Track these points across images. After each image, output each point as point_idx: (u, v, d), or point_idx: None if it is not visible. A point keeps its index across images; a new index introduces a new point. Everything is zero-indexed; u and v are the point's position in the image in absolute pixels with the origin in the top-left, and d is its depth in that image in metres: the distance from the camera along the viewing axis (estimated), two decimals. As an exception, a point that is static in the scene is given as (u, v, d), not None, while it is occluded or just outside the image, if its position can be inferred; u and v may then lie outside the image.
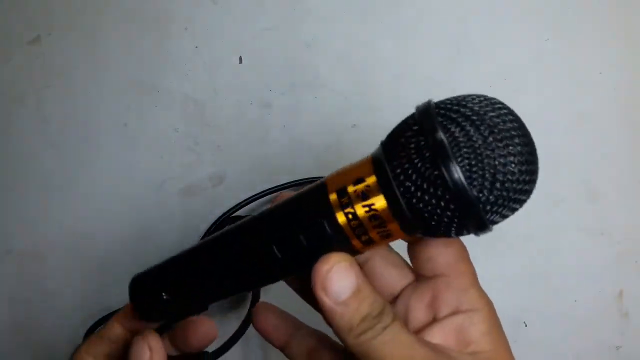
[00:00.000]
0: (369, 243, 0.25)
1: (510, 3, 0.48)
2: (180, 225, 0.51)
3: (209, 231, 0.48)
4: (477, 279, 0.28)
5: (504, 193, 0.23)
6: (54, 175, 0.52)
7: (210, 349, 0.39)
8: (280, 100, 0.51)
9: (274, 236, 0.26)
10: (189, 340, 0.34)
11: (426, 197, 0.22)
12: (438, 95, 0.25)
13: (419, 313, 0.29)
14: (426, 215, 0.23)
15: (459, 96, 0.24)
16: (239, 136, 0.51)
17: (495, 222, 0.24)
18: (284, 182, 0.49)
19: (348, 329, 0.25)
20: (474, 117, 0.22)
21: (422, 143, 0.22)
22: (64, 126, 0.53)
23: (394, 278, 0.30)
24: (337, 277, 0.25)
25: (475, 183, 0.22)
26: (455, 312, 0.27)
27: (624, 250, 0.47)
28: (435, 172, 0.22)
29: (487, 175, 0.22)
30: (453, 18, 0.48)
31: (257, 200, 0.48)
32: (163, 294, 0.30)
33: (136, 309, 0.31)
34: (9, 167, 0.53)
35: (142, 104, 0.52)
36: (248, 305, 0.48)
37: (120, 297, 0.49)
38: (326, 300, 0.25)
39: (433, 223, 0.23)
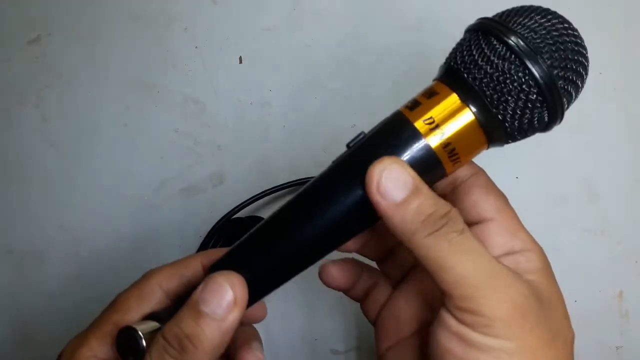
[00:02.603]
0: (457, 162, 0.26)
1: (510, 3, 0.48)
2: (180, 225, 0.51)
3: (209, 232, 0.48)
4: (521, 223, 0.28)
5: (569, 64, 0.25)
6: (54, 175, 0.52)
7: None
8: (280, 100, 0.51)
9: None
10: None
11: (510, 98, 0.24)
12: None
13: None
14: (509, 116, 0.25)
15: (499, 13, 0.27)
16: (239, 136, 0.51)
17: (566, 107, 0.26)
18: (284, 182, 0.49)
19: (412, 231, 0.23)
20: (525, 18, 0.25)
21: (497, 47, 0.24)
22: (64, 126, 0.53)
23: None
24: (393, 175, 0.24)
25: (553, 66, 0.24)
26: (509, 253, 0.27)
27: (624, 250, 0.47)
28: (520, 71, 0.24)
29: (557, 57, 0.25)
30: (453, 20, 0.48)
31: (258, 201, 0.48)
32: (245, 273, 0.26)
33: None
34: (9, 167, 0.53)
35: (142, 104, 0.52)
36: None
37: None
38: (382, 202, 0.23)
39: (514, 125, 0.25)
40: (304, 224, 0.26)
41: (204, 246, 0.48)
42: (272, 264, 0.27)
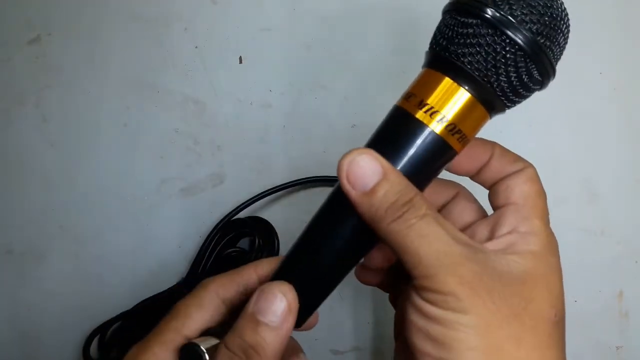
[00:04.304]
0: (464, 139, 0.27)
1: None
2: (180, 225, 0.51)
3: (210, 233, 0.48)
4: (547, 217, 0.29)
5: (548, 22, 0.26)
6: (54, 175, 0.52)
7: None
8: (280, 100, 0.51)
9: None
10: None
11: (500, 69, 0.25)
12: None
13: (479, 231, 0.29)
14: (503, 86, 0.26)
15: None
16: (239, 136, 0.51)
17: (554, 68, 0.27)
18: (284, 182, 0.49)
19: (379, 220, 0.25)
20: None
21: (474, 24, 0.25)
22: (64, 126, 0.53)
23: (471, 214, 0.31)
24: (361, 165, 0.25)
25: (533, 29, 0.25)
26: (511, 232, 0.28)
27: (624, 250, 0.47)
28: (503, 42, 0.25)
29: (535, 20, 0.25)
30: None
31: (258, 201, 0.48)
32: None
33: None
34: (9, 166, 0.53)
35: (142, 104, 0.52)
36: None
37: (120, 297, 0.49)
38: (352, 192, 0.25)
39: (511, 92, 0.26)
40: (329, 239, 0.28)
41: (204, 247, 0.47)
42: (316, 275, 0.29)
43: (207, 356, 0.27)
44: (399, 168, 0.26)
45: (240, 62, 0.52)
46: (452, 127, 0.26)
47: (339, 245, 0.28)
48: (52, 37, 0.53)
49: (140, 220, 0.51)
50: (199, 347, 0.27)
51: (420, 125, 0.26)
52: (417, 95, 0.27)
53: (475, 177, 0.31)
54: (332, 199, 0.29)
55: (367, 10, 0.51)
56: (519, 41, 0.25)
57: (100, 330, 0.48)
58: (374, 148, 0.27)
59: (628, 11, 0.48)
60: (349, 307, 0.48)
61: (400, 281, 0.35)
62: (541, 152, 0.48)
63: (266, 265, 0.31)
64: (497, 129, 0.45)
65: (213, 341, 0.28)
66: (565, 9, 0.27)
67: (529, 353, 0.25)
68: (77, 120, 0.52)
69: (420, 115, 0.26)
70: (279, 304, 0.26)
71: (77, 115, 0.52)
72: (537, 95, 0.52)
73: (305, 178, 0.48)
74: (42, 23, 0.53)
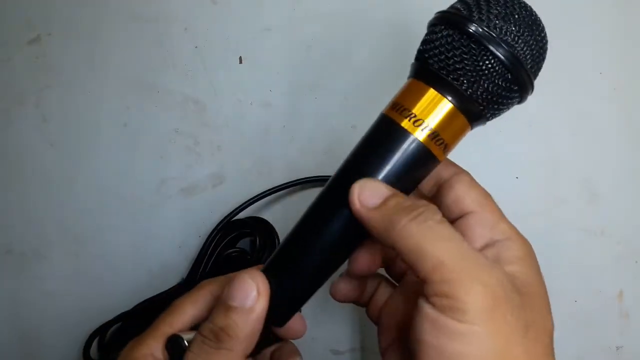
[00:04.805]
0: (446, 148, 0.28)
1: None
2: (180, 225, 0.51)
3: (210, 233, 0.48)
4: (504, 216, 0.29)
5: (529, 39, 0.27)
6: (54, 175, 0.52)
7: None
8: (280, 100, 0.51)
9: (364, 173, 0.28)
10: (278, 330, 0.33)
11: (482, 82, 0.27)
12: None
13: None
14: (484, 98, 0.27)
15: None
16: (239, 136, 0.51)
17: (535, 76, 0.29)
18: (284, 182, 0.49)
19: (392, 224, 0.25)
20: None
21: (460, 39, 0.27)
22: (63, 126, 0.53)
23: None
24: (370, 186, 0.27)
25: (514, 44, 0.27)
26: (489, 244, 0.28)
27: (624, 250, 0.47)
28: (486, 56, 0.26)
29: (515, 36, 0.27)
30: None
31: (258, 202, 0.48)
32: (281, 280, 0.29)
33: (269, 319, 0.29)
34: (9, 166, 0.53)
35: (142, 104, 0.52)
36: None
37: (120, 297, 0.49)
38: (362, 210, 0.26)
39: (492, 104, 0.28)
40: (314, 237, 0.29)
41: (205, 248, 0.47)
42: (302, 270, 0.30)
43: (186, 343, 0.29)
44: (384, 175, 0.28)
45: (240, 62, 0.52)
46: (435, 136, 0.28)
47: (326, 244, 0.29)
48: (52, 37, 0.53)
49: (140, 220, 0.51)
50: (181, 338, 0.29)
51: (405, 134, 0.28)
52: (402, 104, 0.28)
53: None
54: (322, 202, 0.30)
55: (367, 10, 0.51)
56: (500, 55, 0.26)
57: (100, 331, 0.48)
58: (361, 155, 0.29)
59: (628, 11, 0.48)
60: (348, 307, 0.48)
61: (379, 286, 0.35)
62: (541, 152, 0.48)
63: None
64: (497, 128, 0.45)
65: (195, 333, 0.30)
66: (543, 27, 0.28)
67: None
68: (77, 120, 0.52)
69: (405, 123, 0.28)
70: (248, 288, 0.27)
71: (77, 115, 0.52)
72: (537, 95, 0.52)
73: (305, 178, 0.48)
74: (42, 23, 0.53)
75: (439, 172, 0.30)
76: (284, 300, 0.29)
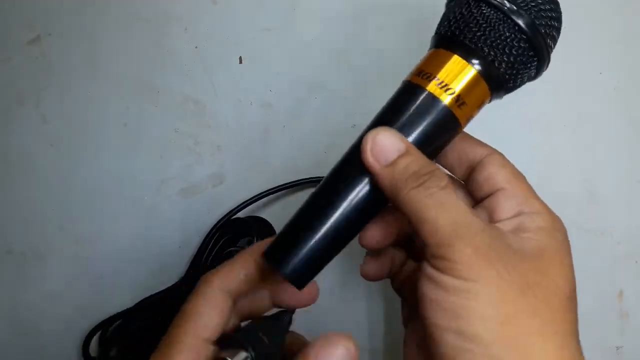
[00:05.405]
0: (467, 116, 0.30)
1: None
2: (180, 226, 0.51)
3: (209, 232, 0.48)
4: (536, 194, 0.30)
5: (546, 13, 0.29)
6: (54, 175, 0.52)
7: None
8: (280, 100, 0.51)
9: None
10: (290, 296, 0.32)
11: (504, 49, 0.29)
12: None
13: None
14: (505, 64, 0.29)
15: None
16: (239, 136, 0.51)
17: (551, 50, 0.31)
18: (284, 182, 0.49)
19: (399, 188, 0.26)
20: None
21: (484, 9, 0.29)
22: (63, 126, 0.53)
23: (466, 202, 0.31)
24: (384, 140, 0.27)
25: (533, 17, 0.28)
26: (516, 215, 0.28)
27: (624, 250, 0.47)
28: (508, 25, 0.28)
29: (535, 9, 0.29)
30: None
31: (258, 201, 0.48)
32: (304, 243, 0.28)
33: (289, 279, 0.28)
34: (9, 166, 0.53)
35: (142, 104, 0.52)
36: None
37: (120, 297, 0.49)
38: (375, 164, 0.27)
39: (512, 71, 0.29)
40: (336, 195, 0.29)
41: (204, 246, 0.47)
42: (325, 229, 0.29)
43: None
44: (410, 140, 0.28)
45: (240, 62, 0.52)
46: (460, 100, 0.29)
47: (349, 205, 0.29)
48: (52, 37, 0.53)
49: (140, 220, 0.51)
50: None
51: (431, 97, 0.29)
52: (427, 71, 0.29)
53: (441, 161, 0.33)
54: (345, 164, 0.30)
55: (367, 10, 0.51)
56: (522, 24, 0.28)
57: (100, 328, 0.48)
58: (385, 120, 0.29)
59: (628, 11, 0.48)
60: (348, 307, 0.48)
61: (406, 262, 0.36)
62: (541, 152, 0.48)
63: (262, 247, 0.30)
64: (497, 128, 0.45)
65: (242, 354, 0.27)
66: (560, 7, 0.31)
67: (543, 325, 0.25)
68: (77, 120, 0.52)
69: (431, 87, 0.29)
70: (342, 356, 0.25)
71: (77, 115, 0.52)
72: (537, 95, 0.53)
73: (305, 178, 0.48)
74: (42, 23, 0.53)
75: (473, 153, 0.31)
76: (305, 259, 0.28)
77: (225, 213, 0.48)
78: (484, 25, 0.28)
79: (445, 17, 0.31)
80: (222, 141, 0.51)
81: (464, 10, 0.29)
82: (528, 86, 0.49)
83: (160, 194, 0.51)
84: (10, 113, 0.53)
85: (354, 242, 0.31)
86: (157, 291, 0.48)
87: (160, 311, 0.48)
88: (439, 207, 0.26)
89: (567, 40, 0.48)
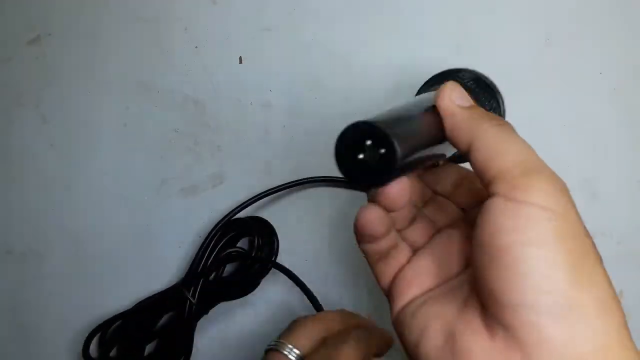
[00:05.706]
0: None
1: (510, 3, 0.48)
2: (180, 226, 0.51)
3: (209, 232, 0.48)
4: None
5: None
6: (54, 175, 0.52)
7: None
8: (280, 100, 0.51)
9: None
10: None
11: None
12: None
13: None
14: None
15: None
16: (239, 136, 0.51)
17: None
18: (284, 182, 0.49)
19: (479, 122, 0.29)
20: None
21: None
22: (63, 126, 0.53)
23: None
24: (461, 91, 0.31)
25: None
26: None
27: (624, 250, 0.47)
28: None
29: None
30: (453, 18, 0.48)
31: (258, 201, 0.49)
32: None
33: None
34: (9, 167, 0.53)
35: (142, 104, 0.52)
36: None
37: (120, 297, 0.49)
38: (453, 105, 0.30)
39: None
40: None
41: (204, 246, 0.47)
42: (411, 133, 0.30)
43: None
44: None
45: (240, 62, 0.52)
46: None
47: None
48: (52, 37, 0.53)
49: (140, 219, 0.51)
50: None
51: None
52: None
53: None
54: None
55: (367, 10, 0.51)
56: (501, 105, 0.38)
57: (100, 329, 0.48)
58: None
59: (628, 11, 0.48)
60: (348, 306, 0.48)
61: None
62: (541, 152, 0.48)
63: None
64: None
65: None
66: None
67: (595, 265, 0.29)
68: (77, 120, 0.52)
69: None
70: None
71: (77, 115, 0.53)
72: (537, 95, 0.53)
73: (305, 178, 0.48)
74: (42, 23, 0.53)
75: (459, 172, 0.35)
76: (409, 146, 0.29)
77: (225, 213, 0.48)
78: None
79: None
80: (222, 141, 0.51)
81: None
82: (528, 86, 0.49)
83: (160, 194, 0.51)
84: (10, 113, 0.53)
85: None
86: (156, 291, 0.48)
87: (160, 312, 0.48)
88: (519, 144, 0.29)
89: (567, 40, 0.48)
